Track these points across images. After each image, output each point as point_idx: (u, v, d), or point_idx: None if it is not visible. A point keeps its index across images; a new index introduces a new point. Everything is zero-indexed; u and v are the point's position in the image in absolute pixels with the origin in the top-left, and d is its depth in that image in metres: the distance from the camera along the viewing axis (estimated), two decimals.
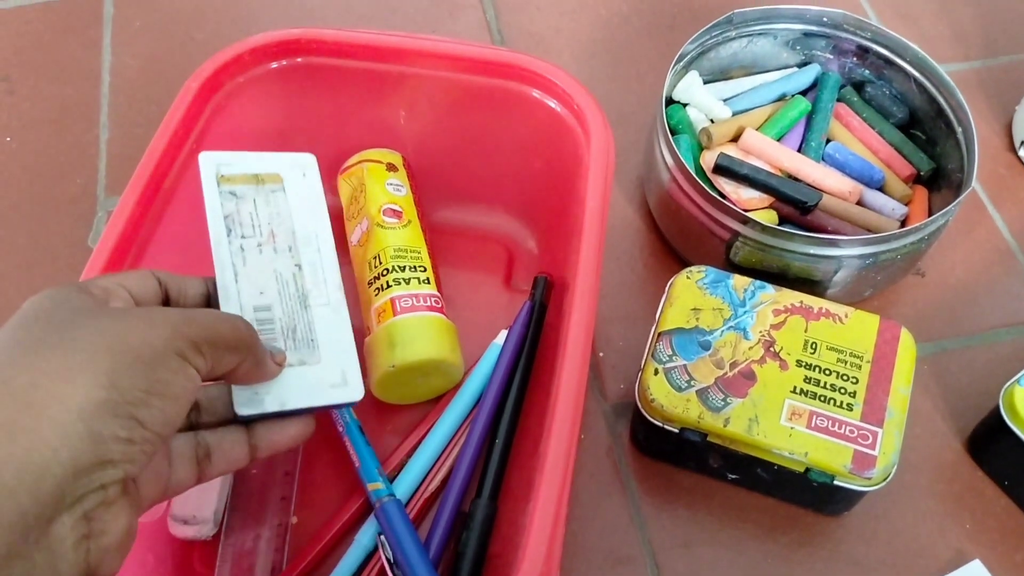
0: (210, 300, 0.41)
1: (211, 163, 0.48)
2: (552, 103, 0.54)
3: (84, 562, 0.30)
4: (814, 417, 0.48)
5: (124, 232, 0.47)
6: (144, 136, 0.50)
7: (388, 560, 0.47)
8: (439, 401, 0.55)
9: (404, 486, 0.51)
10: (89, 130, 0.68)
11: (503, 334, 0.56)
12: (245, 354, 0.37)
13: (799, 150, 0.63)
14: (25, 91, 0.71)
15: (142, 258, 0.49)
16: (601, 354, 0.58)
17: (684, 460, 0.53)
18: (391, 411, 0.55)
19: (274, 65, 0.54)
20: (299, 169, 0.49)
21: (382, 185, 0.56)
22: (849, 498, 0.50)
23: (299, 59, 0.55)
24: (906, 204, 0.61)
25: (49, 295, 0.33)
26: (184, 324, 0.34)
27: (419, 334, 0.51)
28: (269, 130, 0.57)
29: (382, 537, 0.48)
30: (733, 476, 0.52)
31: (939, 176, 0.63)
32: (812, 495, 0.50)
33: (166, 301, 0.39)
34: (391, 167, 0.57)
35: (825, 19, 0.64)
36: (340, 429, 0.52)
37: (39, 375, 0.30)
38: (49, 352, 0.31)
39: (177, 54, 0.73)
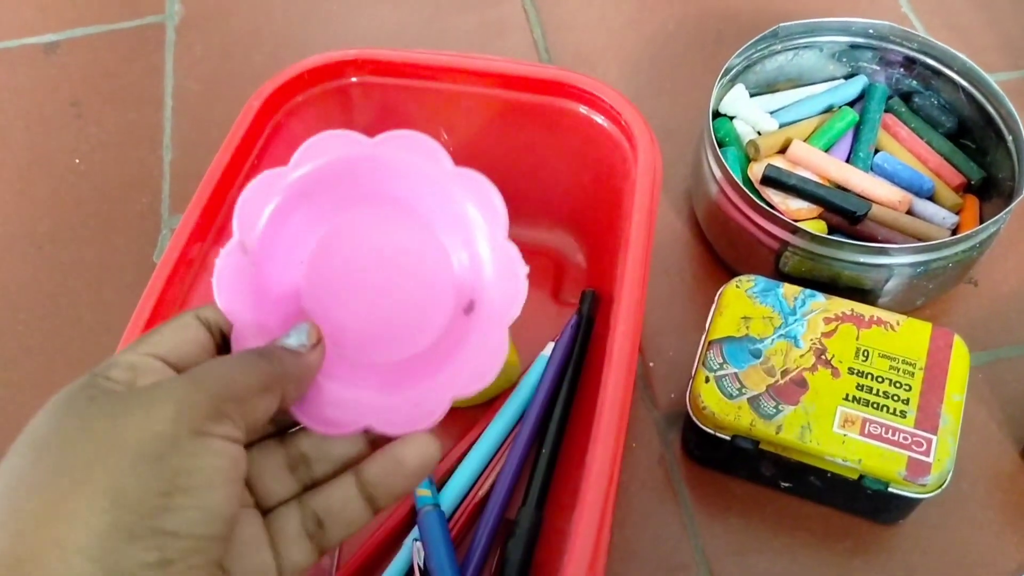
0: None
1: None
2: (599, 119, 0.55)
3: None
4: (867, 424, 0.48)
5: (187, 245, 0.49)
6: (206, 157, 0.53)
7: (420, 567, 0.48)
8: (493, 403, 0.56)
9: (452, 493, 0.52)
10: (153, 151, 0.71)
11: (551, 346, 0.56)
12: (280, 387, 0.29)
13: (847, 161, 0.63)
14: (92, 115, 0.74)
15: (203, 272, 0.51)
16: (651, 364, 0.59)
17: (736, 468, 0.53)
18: (450, 414, 0.56)
19: (331, 84, 0.56)
20: None
21: None
22: (903, 506, 0.49)
23: (354, 79, 0.57)
24: (957, 213, 0.61)
25: (51, 406, 0.27)
26: (192, 391, 0.27)
27: None
28: None
29: (418, 544, 0.49)
30: (786, 484, 0.52)
31: (990, 185, 0.62)
32: (866, 503, 0.50)
33: (222, 343, 0.32)
34: None
35: (871, 31, 0.65)
36: None
37: (26, 521, 0.24)
38: (35, 488, 0.24)
39: (236, 78, 0.75)
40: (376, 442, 0.32)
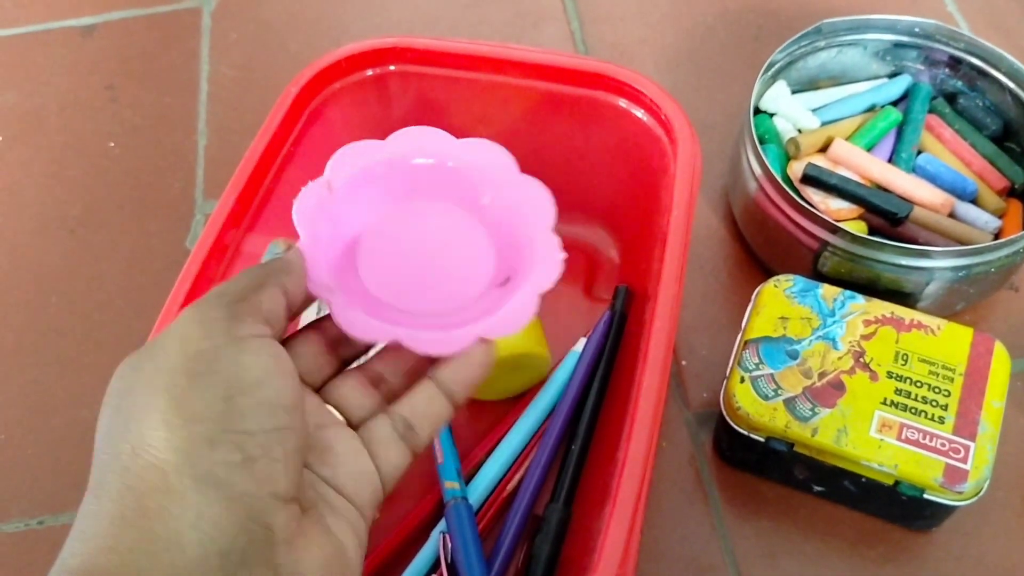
0: None
1: None
2: (639, 112, 0.54)
3: None
4: (904, 429, 0.47)
5: (222, 231, 0.49)
6: (240, 143, 0.52)
7: (446, 559, 0.48)
8: (524, 397, 0.55)
9: (480, 486, 0.52)
10: (188, 136, 0.71)
11: (582, 342, 0.56)
12: (273, 280, 0.32)
13: (889, 162, 0.62)
14: (127, 99, 0.74)
15: (238, 259, 0.51)
16: (684, 363, 0.58)
17: (768, 471, 0.52)
18: (479, 407, 0.56)
19: (369, 72, 0.56)
20: None
21: None
22: (938, 513, 0.49)
23: (392, 67, 0.56)
24: (1000, 217, 0.60)
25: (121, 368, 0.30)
26: (205, 307, 0.30)
27: None
28: (364, 133, 0.58)
29: (445, 536, 0.49)
30: (819, 488, 0.51)
31: None
32: (900, 509, 0.49)
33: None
34: None
35: (917, 29, 0.63)
36: None
37: (120, 443, 0.28)
38: (122, 422, 0.28)
39: (271, 64, 0.75)
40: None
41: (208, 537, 0.26)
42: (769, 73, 0.62)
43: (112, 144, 0.71)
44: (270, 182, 0.52)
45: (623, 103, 0.55)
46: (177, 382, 0.28)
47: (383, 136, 0.60)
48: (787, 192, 0.55)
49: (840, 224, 0.54)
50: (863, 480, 0.48)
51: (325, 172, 0.41)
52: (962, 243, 0.58)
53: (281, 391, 0.29)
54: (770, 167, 0.56)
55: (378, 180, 0.42)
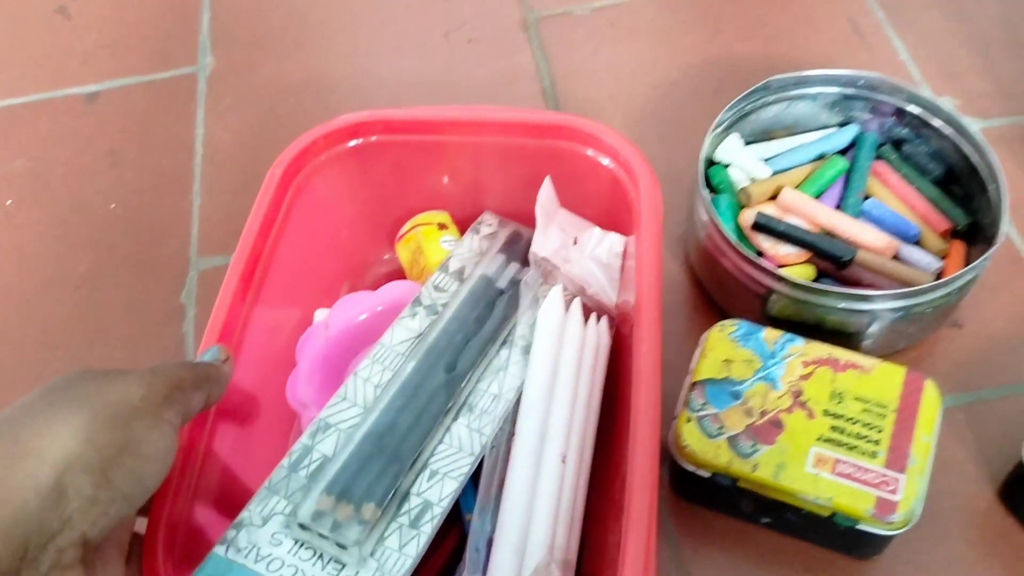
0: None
1: None
2: (605, 161, 0.58)
3: None
4: (839, 464, 0.50)
5: (231, 308, 0.52)
6: (233, 203, 0.56)
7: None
8: None
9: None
10: (184, 197, 0.76)
11: None
12: (209, 386, 0.42)
13: (837, 207, 0.66)
14: (127, 162, 0.79)
15: (247, 331, 0.54)
16: None
17: (718, 504, 0.56)
18: None
19: (350, 144, 0.60)
20: None
21: (437, 244, 0.62)
22: (875, 543, 0.52)
23: (373, 138, 0.61)
24: (943, 258, 0.64)
25: (71, 374, 0.37)
26: (154, 379, 0.37)
27: None
28: (345, 201, 0.63)
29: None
30: (765, 520, 0.55)
31: (976, 231, 0.64)
32: (841, 539, 0.53)
33: None
34: (442, 226, 0.63)
35: (861, 82, 0.67)
36: None
37: (24, 432, 0.33)
38: (37, 414, 0.34)
39: (263, 128, 0.80)
40: None
41: (7, 530, 0.31)
42: (719, 130, 0.66)
43: (113, 206, 0.76)
44: (266, 257, 0.56)
45: (590, 152, 0.59)
46: (103, 412, 0.35)
47: (362, 199, 0.65)
48: (731, 242, 0.59)
49: (786, 270, 0.58)
50: (803, 512, 0.51)
51: (327, 317, 0.56)
52: (906, 284, 0.62)
53: (152, 475, 0.36)
54: (717, 217, 0.60)
55: (366, 325, 0.56)
